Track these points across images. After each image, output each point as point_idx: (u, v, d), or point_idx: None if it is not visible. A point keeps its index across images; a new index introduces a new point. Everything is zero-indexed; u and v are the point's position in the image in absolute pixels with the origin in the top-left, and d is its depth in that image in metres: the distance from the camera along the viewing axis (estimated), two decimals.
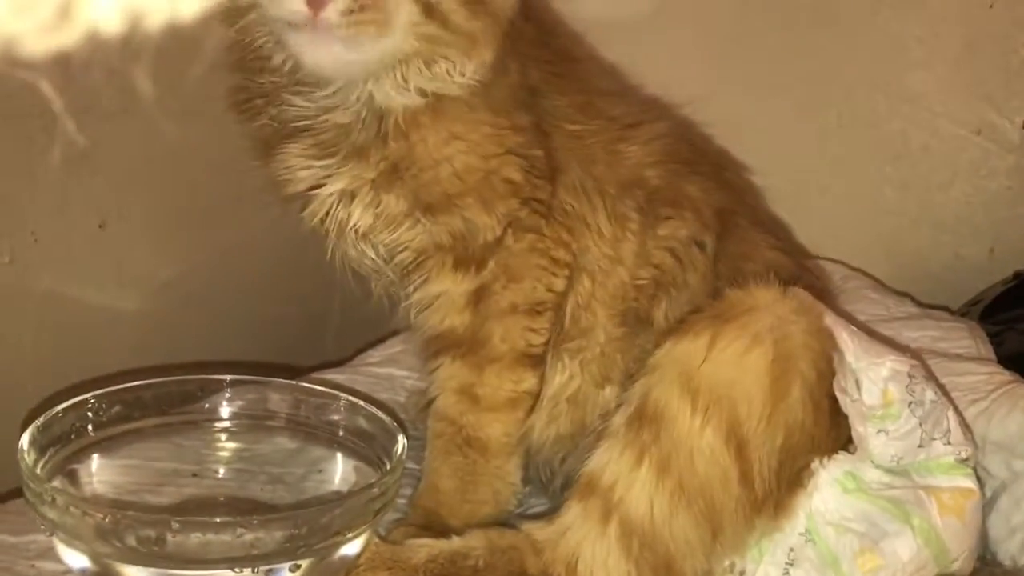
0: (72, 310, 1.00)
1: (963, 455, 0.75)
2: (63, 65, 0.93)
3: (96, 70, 0.97)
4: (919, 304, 1.14)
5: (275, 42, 0.75)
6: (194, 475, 0.77)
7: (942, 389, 0.78)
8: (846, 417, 0.73)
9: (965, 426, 0.77)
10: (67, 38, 0.94)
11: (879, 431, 0.73)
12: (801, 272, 0.86)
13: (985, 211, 1.27)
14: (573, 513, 0.73)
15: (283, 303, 1.15)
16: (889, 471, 0.74)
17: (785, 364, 0.71)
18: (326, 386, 1.00)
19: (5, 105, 0.92)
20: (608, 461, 0.72)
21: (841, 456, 0.74)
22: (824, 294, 0.85)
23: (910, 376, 0.75)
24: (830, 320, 0.75)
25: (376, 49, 0.72)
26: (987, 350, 0.99)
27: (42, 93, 0.95)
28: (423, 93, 0.75)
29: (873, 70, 1.25)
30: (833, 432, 0.74)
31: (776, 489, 0.72)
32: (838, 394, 0.73)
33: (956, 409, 0.78)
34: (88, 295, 1.02)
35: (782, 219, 1.20)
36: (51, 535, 0.65)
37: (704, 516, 0.71)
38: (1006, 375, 0.89)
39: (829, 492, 0.73)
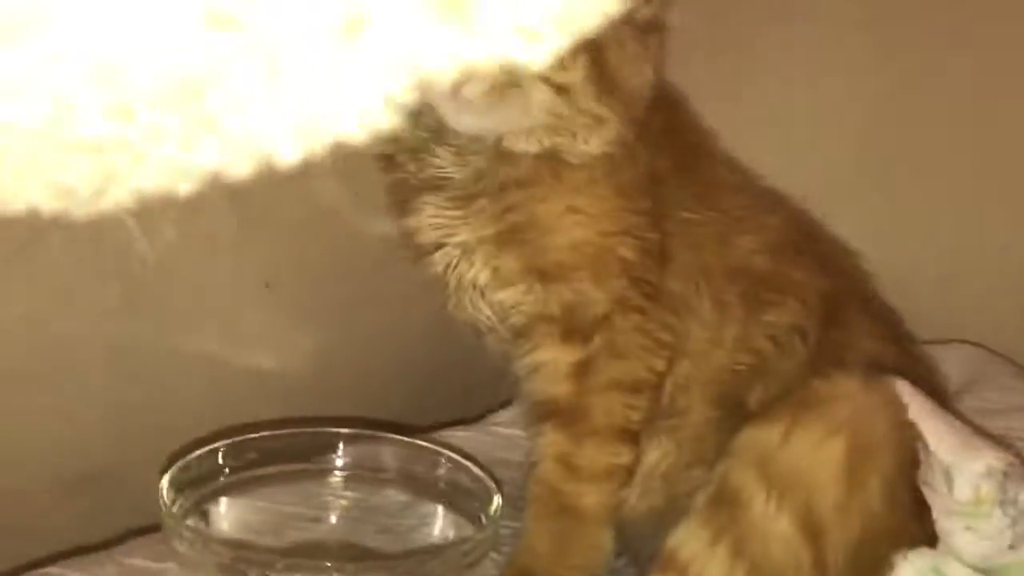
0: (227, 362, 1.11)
1: None
2: None
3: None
4: None
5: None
6: (312, 520, 0.85)
7: None
8: (928, 512, 0.73)
9: None
10: None
11: (967, 528, 0.73)
12: (907, 361, 0.86)
13: None
14: None
15: (430, 364, 1.22)
16: (976, 570, 0.73)
17: (862, 455, 0.72)
18: (449, 443, 1.08)
19: None
20: (687, 538, 0.75)
21: (926, 550, 0.73)
22: (931, 384, 0.85)
23: (1005, 474, 0.74)
24: (919, 412, 0.75)
25: (512, 119, 0.78)
26: None
27: None
28: (549, 148, 0.81)
29: None
30: (912, 526, 0.74)
31: None
32: (923, 488, 0.73)
33: None
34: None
35: (924, 300, 1.21)
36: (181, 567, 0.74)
37: None
38: None
39: None
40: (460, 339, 0.96)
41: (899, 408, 0.74)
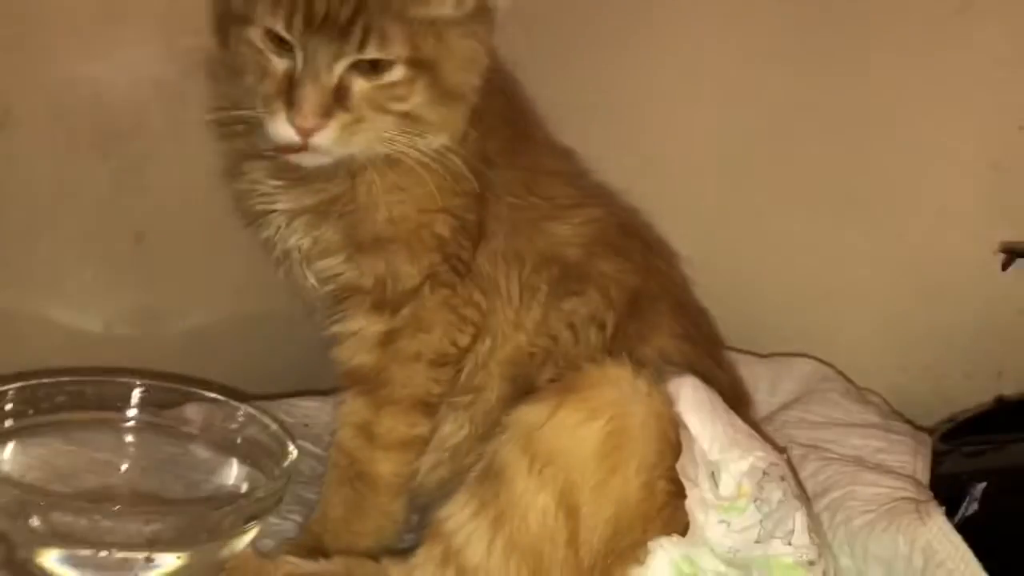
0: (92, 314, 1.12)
1: (805, 558, 0.75)
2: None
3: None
4: (889, 413, 1.13)
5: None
6: (112, 468, 0.86)
7: (802, 492, 0.79)
8: (683, 501, 0.76)
9: (816, 531, 0.78)
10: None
11: (720, 521, 0.75)
12: (704, 362, 0.89)
13: (997, 334, 1.24)
14: (421, 555, 0.78)
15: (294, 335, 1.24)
16: (727, 562, 0.75)
17: (619, 439, 0.74)
18: (294, 411, 1.10)
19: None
20: (454, 511, 0.77)
21: (679, 538, 0.76)
22: (725, 386, 0.88)
23: (764, 473, 0.77)
24: (694, 408, 0.78)
25: (363, 146, 0.81)
26: (922, 467, 0.98)
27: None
28: (396, 152, 0.83)
29: (899, 178, 1.25)
30: (666, 513, 0.76)
31: (603, 558, 0.75)
32: (682, 479, 0.76)
33: (811, 513, 0.79)
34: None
35: (779, 313, 1.24)
36: None
37: (532, 573, 0.75)
38: (908, 492, 0.89)
39: (664, 572, 0.75)
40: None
41: (665, 399, 0.77)
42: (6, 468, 0.81)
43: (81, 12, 1.03)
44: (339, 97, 0.78)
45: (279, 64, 0.79)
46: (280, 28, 0.77)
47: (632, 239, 0.94)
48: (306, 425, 1.10)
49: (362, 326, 0.87)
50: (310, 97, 0.77)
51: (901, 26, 1.17)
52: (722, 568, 0.75)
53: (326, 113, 0.78)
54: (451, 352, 0.87)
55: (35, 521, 0.72)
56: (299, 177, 0.85)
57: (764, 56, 1.21)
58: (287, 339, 1.19)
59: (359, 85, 0.79)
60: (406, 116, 0.81)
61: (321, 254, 0.87)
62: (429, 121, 0.82)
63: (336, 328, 0.89)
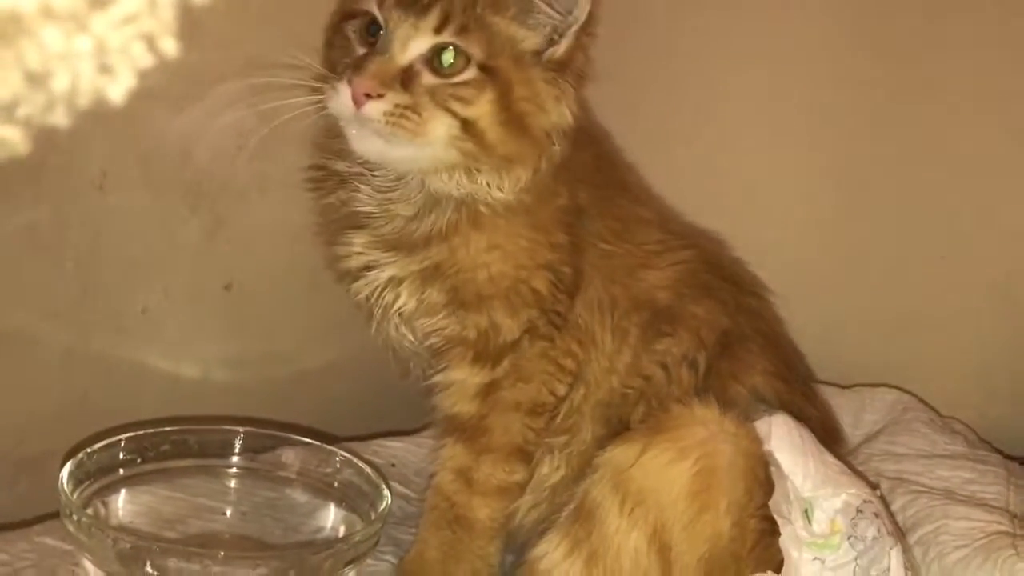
0: (182, 364, 1.16)
1: None
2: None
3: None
4: (976, 442, 1.12)
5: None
6: (217, 514, 0.90)
7: (896, 529, 0.79)
8: (775, 539, 0.76)
9: (912, 568, 0.77)
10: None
11: (815, 559, 0.76)
12: (795, 398, 0.89)
13: None
14: None
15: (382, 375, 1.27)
16: None
17: (708, 479, 0.75)
18: (381, 452, 1.13)
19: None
20: (548, 550, 0.79)
21: (772, 575, 0.76)
22: (818, 422, 0.88)
23: (858, 511, 0.77)
24: (786, 445, 0.79)
25: (415, 151, 0.82)
26: (1016, 499, 0.97)
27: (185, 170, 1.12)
28: (466, 192, 0.85)
29: (982, 205, 1.24)
30: (758, 551, 0.77)
31: None
32: (775, 516, 0.76)
33: (906, 551, 0.78)
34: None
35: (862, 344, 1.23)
36: (81, 554, 0.78)
37: None
38: (1002, 526, 0.88)
39: None
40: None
41: (753, 439, 0.78)
42: (120, 515, 0.85)
43: (168, 76, 1.08)
44: (405, 79, 0.80)
45: (361, 50, 0.82)
46: (374, 8, 0.81)
47: (722, 279, 0.95)
48: (393, 465, 1.13)
49: (464, 376, 0.89)
50: (375, 64, 0.79)
51: (984, 51, 1.17)
52: None
53: (384, 84, 0.79)
54: (549, 401, 0.89)
55: (149, 567, 0.76)
56: (403, 244, 0.88)
57: (849, 89, 1.22)
58: (372, 382, 1.23)
59: (427, 77, 0.81)
60: (467, 125, 0.82)
61: (424, 313, 0.89)
62: (490, 141, 0.82)
63: (438, 378, 0.91)
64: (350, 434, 1.17)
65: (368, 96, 0.79)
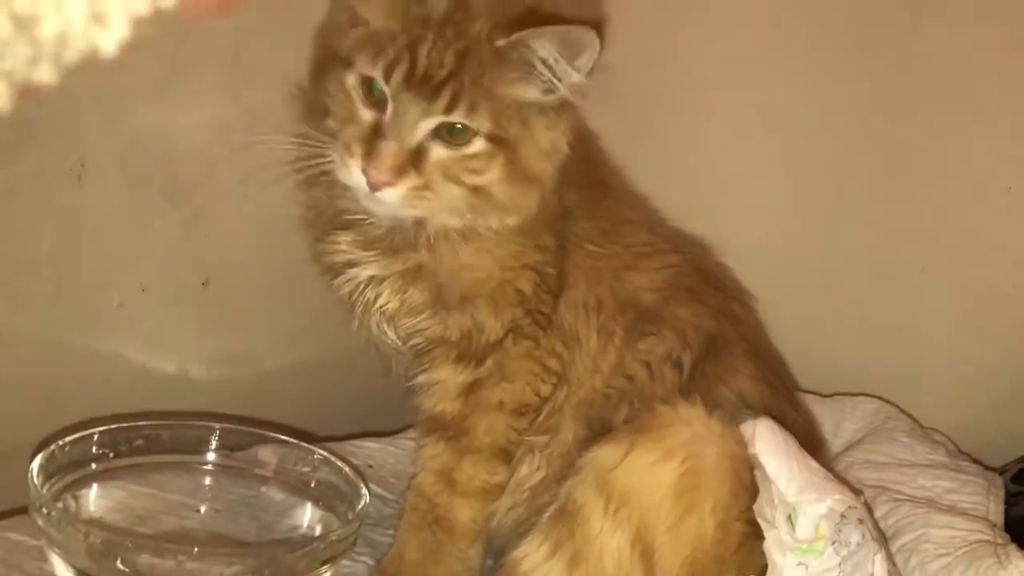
0: (158, 359, 1.15)
1: None
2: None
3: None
4: (956, 453, 1.12)
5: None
6: (191, 510, 0.88)
7: (880, 535, 0.79)
8: (759, 543, 0.75)
9: (895, 574, 0.77)
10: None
11: (799, 564, 0.75)
12: (779, 404, 0.89)
13: None
14: None
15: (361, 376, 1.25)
16: None
17: (694, 480, 0.74)
18: (358, 453, 1.11)
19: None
20: (529, 551, 0.78)
21: None
22: (800, 427, 0.88)
23: (843, 516, 0.77)
24: (770, 449, 0.78)
25: (427, 211, 0.83)
26: (996, 509, 0.97)
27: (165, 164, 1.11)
28: (466, 224, 0.85)
29: (964, 217, 1.24)
30: (742, 554, 0.76)
31: None
32: (759, 520, 0.76)
33: (889, 557, 0.78)
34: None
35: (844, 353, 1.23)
36: (51, 549, 0.76)
37: None
38: (984, 535, 0.88)
39: None
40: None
41: (738, 441, 0.77)
42: (91, 510, 0.83)
43: (150, 67, 1.06)
44: (415, 159, 0.80)
45: (366, 114, 0.81)
46: (379, 78, 0.79)
47: (708, 284, 0.95)
48: (370, 466, 1.11)
49: (447, 376, 0.89)
50: (390, 152, 0.79)
51: (968, 61, 1.17)
52: None
53: (399, 173, 0.79)
54: (533, 401, 0.89)
55: (120, 563, 0.74)
56: (387, 246, 0.87)
57: (833, 96, 1.22)
58: (348, 382, 1.21)
59: (437, 153, 0.80)
60: (477, 191, 0.82)
61: (407, 314, 0.89)
62: (499, 200, 0.83)
63: (420, 378, 0.90)
64: (326, 434, 1.16)
65: (383, 185, 0.80)
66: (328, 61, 0.84)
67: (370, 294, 0.89)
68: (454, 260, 0.86)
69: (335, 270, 0.91)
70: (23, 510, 0.90)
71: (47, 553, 0.77)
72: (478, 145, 0.81)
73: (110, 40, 0.27)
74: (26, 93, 0.30)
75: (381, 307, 0.89)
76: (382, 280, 0.88)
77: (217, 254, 1.14)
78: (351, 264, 0.89)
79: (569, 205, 0.90)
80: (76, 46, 0.28)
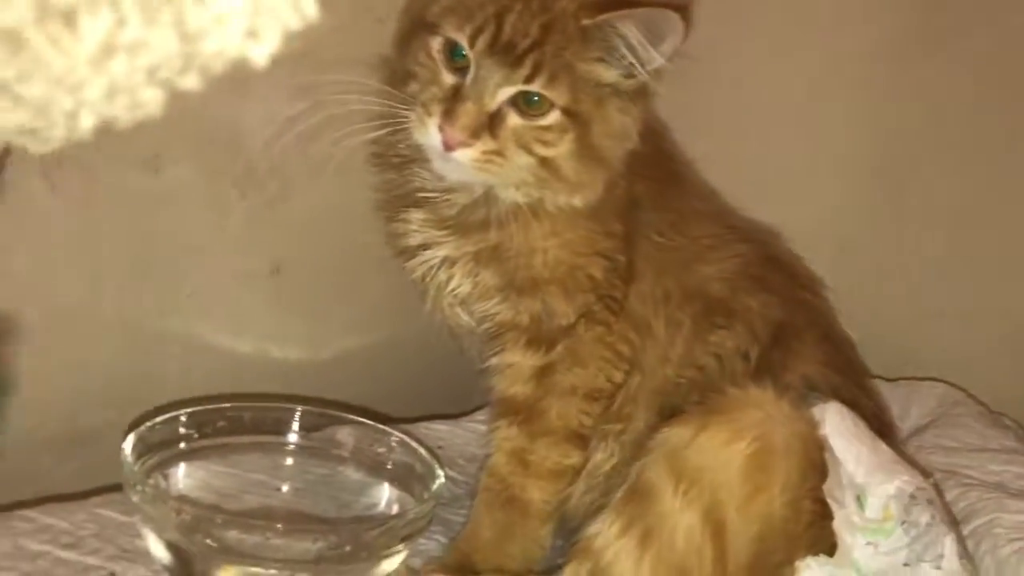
0: (232, 343, 1.18)
1: None
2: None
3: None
4: None
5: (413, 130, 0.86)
6: (271, 489, 0.91)
7: (950, 517, 0.79)
8: (829, 521, 0.76)
9: (966, 557, 0.77)
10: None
11: (868, 543, 0.76)
12: (849, 388, 0.89)
13: None
14: (569, 572, 0.81)
15: (428, 359, 1.28)
16: None
17: (764, 460, 0.75)
18: (428, 435, 1.14)
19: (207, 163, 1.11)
20: (602, 528, 0.79)
21: (825, 558, 0.76)
22: (870, 411, 0.88)
23: (911, 497, 0.77)
24: (840, 432, 0.79)
25: (496, 178, 0.85)
26: None
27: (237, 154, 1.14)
28: (534, 199, 0.86)
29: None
30: (811, 532, 0.77)
31: (749, 575, 0.76)
32: (829, 501, 0.77)
33: (960, 540, 0.78)
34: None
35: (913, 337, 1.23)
36: (145, 525, 0.80)
37: None
38: None
39: None
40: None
41: (808, 422, 0.78)
42: (179, 488, 0.86)
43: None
44: (491, 124, 0.81)
45: (448, 78, 0.83)
46: (463, 42, 0.81)
47: (777, 272, 0.95)
48: (440, 447, 1.14)
49: (518, 360, 0.90)
50: (468, 114, 0.80)
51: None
52: None
53: (474, 134, 0.81)
54: (606, 387, 0.90)
55: (208, 538, 0.77)
56: (459, 226, 0.89)
57: (899, 75, 1.22)
58: (417, 364, 1.24)
59: (512, 120, 0.82)
60: (545, 162, 0.84)
61: (479, 297, 0.91)
62: (565, 174, 0.85)
63: (493, 361, 0.92)
64: (396, 416, 1.19)
65: (458, 145, 0.81)
66: (415, 27, 0.86)
67: (443, 276, 0.91)
68: (525, 242, 0.87)
69: (408, 252, 0.92)
70: (111, 488, 0.94)
71: (141, 528, 0.80)
72: (553, 117, 0.82)
73: (261, 53, 0.30)
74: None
75: (453, 290, 0.91)
76: (454, 262, 0.90)
77: (288, 241, 1.17)
78: (424, 246, 0.91)
79: (638, 196, 0.91)
80: (228, 58, 0.30)
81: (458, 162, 0.82)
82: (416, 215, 0.90)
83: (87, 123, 0.31)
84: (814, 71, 1.25)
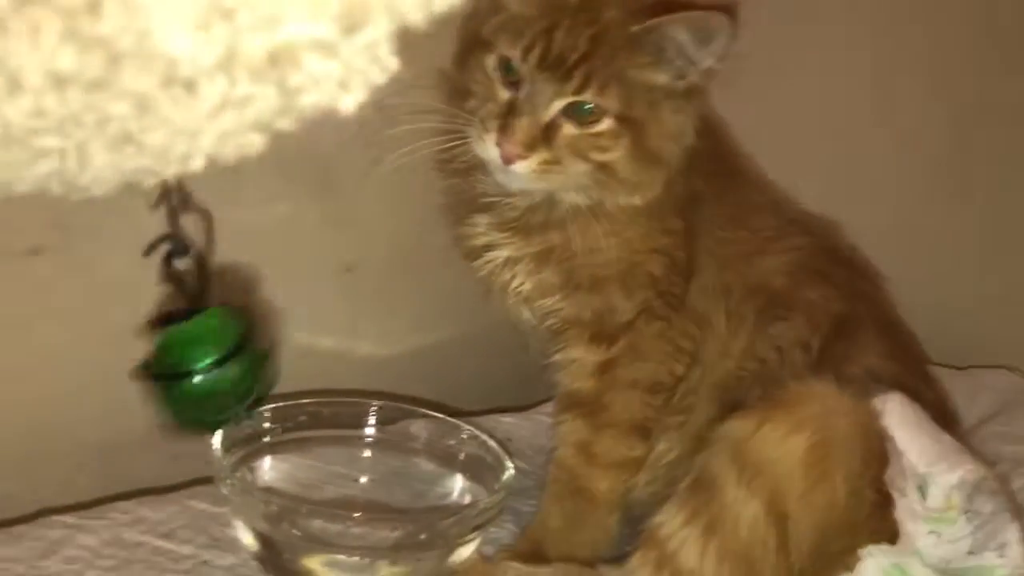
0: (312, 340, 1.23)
1: (1020, 571, 0.76)
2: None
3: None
4: None
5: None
6: (350, 480, 0.96)
7: (1014, 507, 0.80)
8: (891, 510, 0.78)
9: None
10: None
11: (931, 532, 0.77)
12: (909, 379, 0.91)
13: None
14: (636, 560, 0.83)
15: (495, 354, 1.31)
16: (939, 572, 0.77)
17: (825, 449, 0.77)
18: (496, 428, 1.17)
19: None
20: (667, 518, 0.82)
21: (889, 547, 0.78)
22: (932, 401, 0.89)
23: (975, 486, 0.78)
24: (902, 422, 0.80)
25: (555, 185, 0.88)
26: None
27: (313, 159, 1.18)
28: (595, 201, 0.89)
29: None
30: (873, 522, 0.78)
31: (812, 564, 0.78)
32: (891, 491, 0.78)
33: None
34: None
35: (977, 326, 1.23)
36: (235, 516, 0.85)
37: None
38: None
39: None
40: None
41: (869, 413, 0.79)
42: (265, 480, 0.91)
43: None
44: (546, 135, 0.85)
45: (503, 93, 0.86)
46: (516, 58, 0.84)
47: (837, 265, 0.96)
48: (508, 440, 1.17)
49: (581, 355, 0.93)
50: (522, 128, 0.83)
51: None
52: None
53: (530, 146, 0.84)
54: (667, 380, 0.92)
55: (293, 528, 0.81)
56: (521, 227, 0.92)
57: (963, 61, 1.21)
58: (484, 360, 1.28)
59: (567, 130, 0.85)
60: (602, 167, 0.86)
61: (541, 295, 0.93)
62: (623, 176, 0.87)
63: (557, 356, 0.95)
64: (466, 410, 1.22)
65: (515, 158, 0.84)
66: (471, 45, 0.89)
67: (506, 275, 0.94)
68: (585, 241, 0.90)
69: (474, 253, 0.96)
70: (199, 480, 1.00)
71: (231, 519, 0.85)
72: (606, 124, 0.85)
73: (350, 102, 0.33)
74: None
75: (516, 288, 0.94)
76: (517, 262, 0.93)
77: (360, 241, 1.22)
78: (488, 247, 0.94)
79: (697, 191, 0.93)
80: (321, 107, 0.34)
81: (517, 173, 0.86)
82: (481, 219, 0.94)
83: (198, 164, 0.35)
84: (877, 56, 1.25)
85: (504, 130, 0.84)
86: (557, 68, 0.83)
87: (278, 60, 0.31)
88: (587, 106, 0.84)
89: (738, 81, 0.91)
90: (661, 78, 0.85)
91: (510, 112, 0.84)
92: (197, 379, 0.76)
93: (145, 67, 0.29)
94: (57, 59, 0.27)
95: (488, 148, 0.85)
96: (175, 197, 0.73)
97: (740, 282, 0.93)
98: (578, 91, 0.83)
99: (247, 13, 0.29)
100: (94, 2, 0.27)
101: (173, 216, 0.74)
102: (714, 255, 0.93)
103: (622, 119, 0.85)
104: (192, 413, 0.78)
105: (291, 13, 0.30)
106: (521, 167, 0.85)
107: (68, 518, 0.91)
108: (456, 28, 0.95)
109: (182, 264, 0.76)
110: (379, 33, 0.33)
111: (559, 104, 0.84)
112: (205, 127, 0.32)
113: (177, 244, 0.75)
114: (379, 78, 0.35)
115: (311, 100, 0.33)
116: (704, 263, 0.93)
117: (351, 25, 0.32)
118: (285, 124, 0.35)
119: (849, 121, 1.27)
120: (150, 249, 0.75)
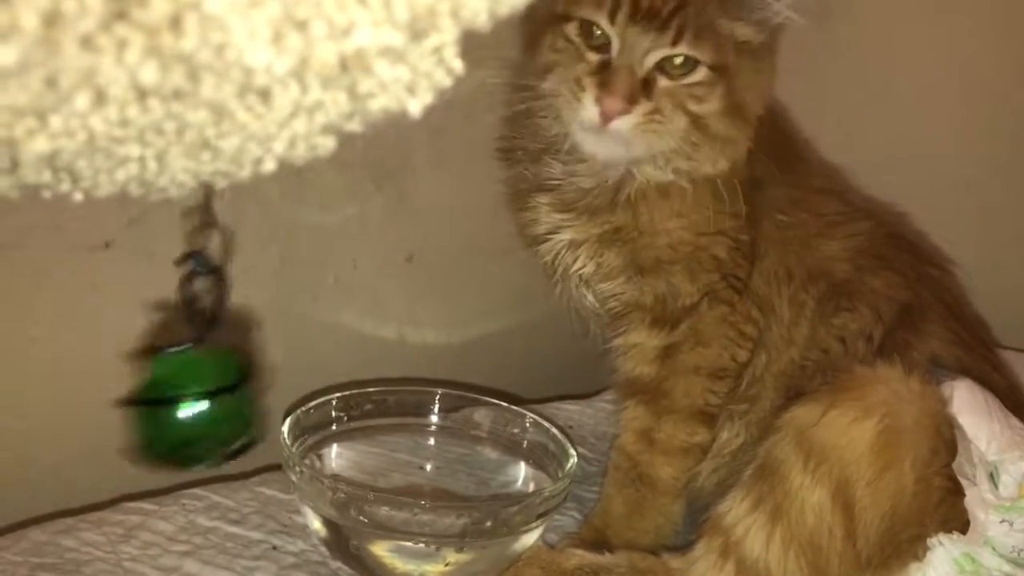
0: (373, 329, 1.25)
1: None
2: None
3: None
4: None
5: (554, 118, 0.89)
6: (416, 468, 0.97)
7: None
8: (960, 498, 0.77)
9: None
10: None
11: (1002, 520, 0.76)
12: (978, 366, 0.89)
13: None
14: (701, 548, 0.83)
15: (557, 341, 1.32)
16: (1011, 561, 0.76)
17: (893, 436, 0.76)
18: (559, 415, 1.18)
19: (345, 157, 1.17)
20: (732, 506, 0.82)
21: (958, 536, 0.77)
22: (1002, 388, 0.88)
23: None
24: (971, 409, 0.79)
25: (649, 149, 0.86)
26: None
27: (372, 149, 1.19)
28: (677, 173, 0.88)
29: None
30: (942, 510, 0.77)
31: (880, 552, 0.77)
32: (960, 479, 0.77)
33: None
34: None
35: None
36: (303, 502, 0.86)
37: (811, 564, 0.78)
38: None
39: (945, 569, 0.77)
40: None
41: (937, 399, 0.78)
42: (332, 467, 0.93)
43: None
44: (645, 88, 0.84)
45: (592, 56, 0.85)
46: (603, 21, 0.84)
47: (902, 250, 0.95)
48: (570, 427, 1.18)
49: (642, 340, 0.93)
50: (623, 81, 0.82)
51: None
52: (1006, 567, 0.76)
53: (632, 99, 0.83)
54: (730, 366, 0.92)
55: (361, 514, 0.83)
56: (585, 208, 0.92)
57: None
58: (546, 347, 1.28)
59: (663, 81, 0.84)
60: (697, 122, 0.85)
61: (604, 278, 0.93)
62: (715, 131, 0.86)
63: (617, 341, 0.95)
64: (528, 398, 1.23)
65: (618, 113, 0.83)
66: (543, 25, 0.88)
67: (568, 258, 0.94)
68: (650, 223, 0.90)
69: (537, 239, 0.96)
70: (267, 467, 1.02)
71: (300, 505, 0.87)
72: (702, 73, 0.84)
73: (416, 105, 0.34)
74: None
75: (579, 271, 0.94)
76: (580, 244, 0.93)
77: (420, 231, 1.23)
78: (551, 232, 0.94)
79: (759, 175, 0.92)
80: (389, 110, 0.35)
81: (617, 132, 0.83)
82: (543, 199, 0.94)
83: (270, 167, 0.36)
84: (957, 38, 1.22)
85: (604, 85, 0.83)
86: (651, 20, 0.83)
87: (349, 67, 0.32)
88: (678, 59, 0.84)
89: (791, 64, 0.90)
90: (745, 31, 0.85)
91: (604, 70, 0.84)
92: (182, 410, 0.74)
93: (223, 78, 0.30)
94: (141, 74, 0.28)
95: (585, 107, 0.84)
96: (200, 215, 0.73)
97: (801, 267, 0.92)
98: (674, 42, 0.83)
99: (320, 23, 0.30)
100: (176, 19, 0.28)
101: (199, 234, 0.74)
102: (776, 239, 0.93)
103: (715, 68, 0.84)
104: (168, 444, 0.76)
105: (362, 22, 0.31)
106: (623, 123, 0.83)
107: (145, 504, 0.94)
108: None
109: (200, 284, 0.75)
110: (446, 38, 0.34)
111: (655, 56, 0.84)
112: (278, 132, 0.33)
113: (200, 262, 0.74)
114: (445, 81, 0.36)
115: (380, 104, 0.34)
116: (766, 247, 0.92)
117: (419, 31, 0.33)
118: (354, 127, 0.35)
119: (915, 101, 1.24)
120: (181, 261, 0.75)
